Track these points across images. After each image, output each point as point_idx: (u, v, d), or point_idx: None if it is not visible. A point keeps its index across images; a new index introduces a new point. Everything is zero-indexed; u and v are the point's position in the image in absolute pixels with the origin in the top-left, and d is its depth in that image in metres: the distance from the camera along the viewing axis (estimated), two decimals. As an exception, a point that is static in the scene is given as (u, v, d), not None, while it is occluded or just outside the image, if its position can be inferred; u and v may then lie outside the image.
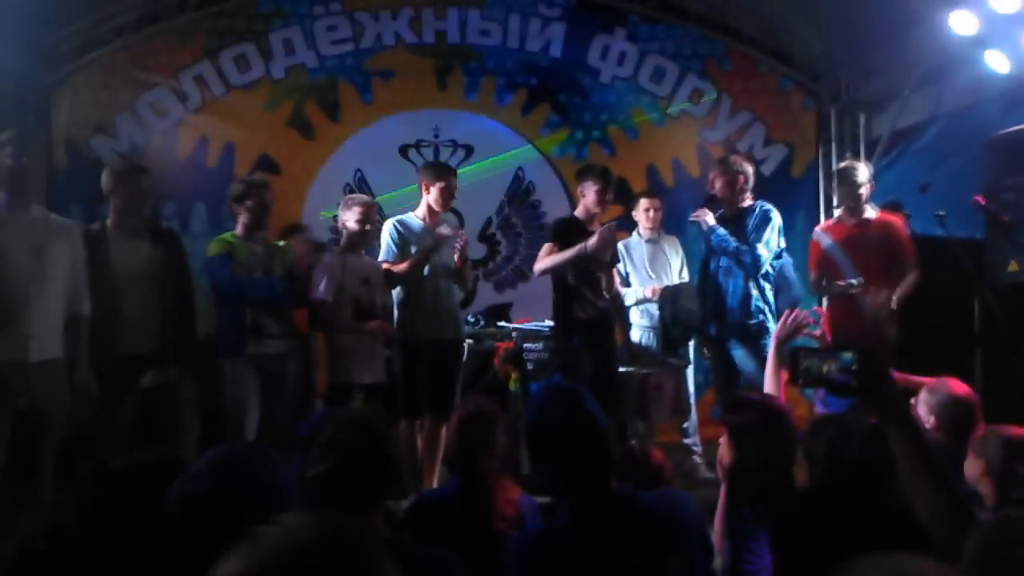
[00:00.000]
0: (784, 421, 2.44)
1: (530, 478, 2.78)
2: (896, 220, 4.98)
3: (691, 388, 5.85)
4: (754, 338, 4.89)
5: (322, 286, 4.55)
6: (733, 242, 4.91)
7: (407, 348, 4.81)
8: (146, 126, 6.32)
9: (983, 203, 4.76)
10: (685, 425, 5.81)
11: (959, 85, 5.59)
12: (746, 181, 5.05)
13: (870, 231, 4.96)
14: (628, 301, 5.90)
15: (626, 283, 5.92)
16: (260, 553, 0.88)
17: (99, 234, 4.32)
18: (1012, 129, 4.87)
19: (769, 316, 4.92)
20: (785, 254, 5.09)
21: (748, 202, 5.06)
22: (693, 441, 5.77)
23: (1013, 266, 4.70)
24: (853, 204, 5.00)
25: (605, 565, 1.89)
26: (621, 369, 5.40)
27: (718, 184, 5.06)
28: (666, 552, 1.93)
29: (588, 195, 5.07)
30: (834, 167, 6.77)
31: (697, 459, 5.64)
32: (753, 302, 4.91)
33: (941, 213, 4.93)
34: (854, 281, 4.87)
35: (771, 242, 4.92)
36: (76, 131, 6.24)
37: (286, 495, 1.58)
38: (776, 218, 4.98)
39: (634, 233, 6.01)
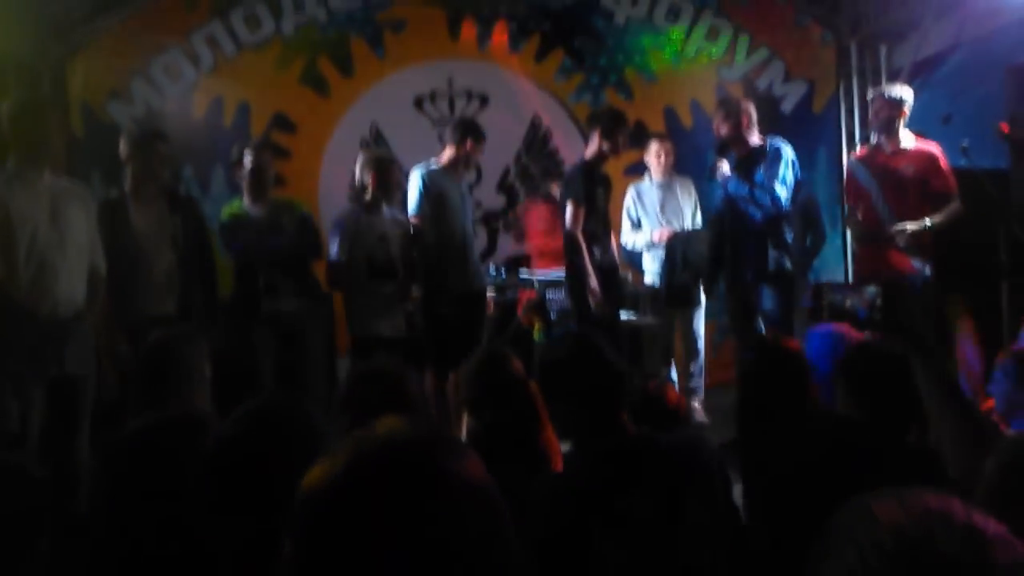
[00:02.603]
0: (792, 364, 2.45)
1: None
2: (934, 149, 4.84)
3: (700, 331, 5.83)
4: (773, 279, 4.89)
5: (334, 246, 4.58)
6: (746, 187, 4.89)
7: (434, 300, 4.87)
8: (160, 89, 6.31)
9: (1007, 131, 4.67)
10: (691, 368, 5.81)
11: (981, 11, 5.44)
12: (750, 120, 5.00)
13: (906, 161, 4.82)
14: (639, 245, 5.89)
15: (637, 226, 5.91)
16: (357, 449, 0.91)
17: (118, 201, 4.38)
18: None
19: (786, 256, 4.92)
20: (811, 193, 5.05)
21: (757, 140, 5.01)
22: (697, 384, 5.76)
23: None
24: (891, 130, 4.85)
25: (623, 508, 1.91)
26: (624, 316, 5.43)
27: (723, 129, 5.03)
28: (684, 494, 1.95)
29: (590, 146, 5.09)
30: (855, 101, 6.69)
31: (696, 403, 5.63)
32: (769, 243, 4.90)
33: (964, 144, 4.85)
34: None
35: (787, 178, 4.87)
36: (92, 97, 6.25)
37: (323, 439, 1.58)
38: (788, 153, 4.93)
39: (645, 177, 5.97)
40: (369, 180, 4.67)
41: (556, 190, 5.81)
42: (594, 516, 1.90)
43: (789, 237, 4.98)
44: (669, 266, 5.62)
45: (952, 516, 0.91)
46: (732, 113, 5.01)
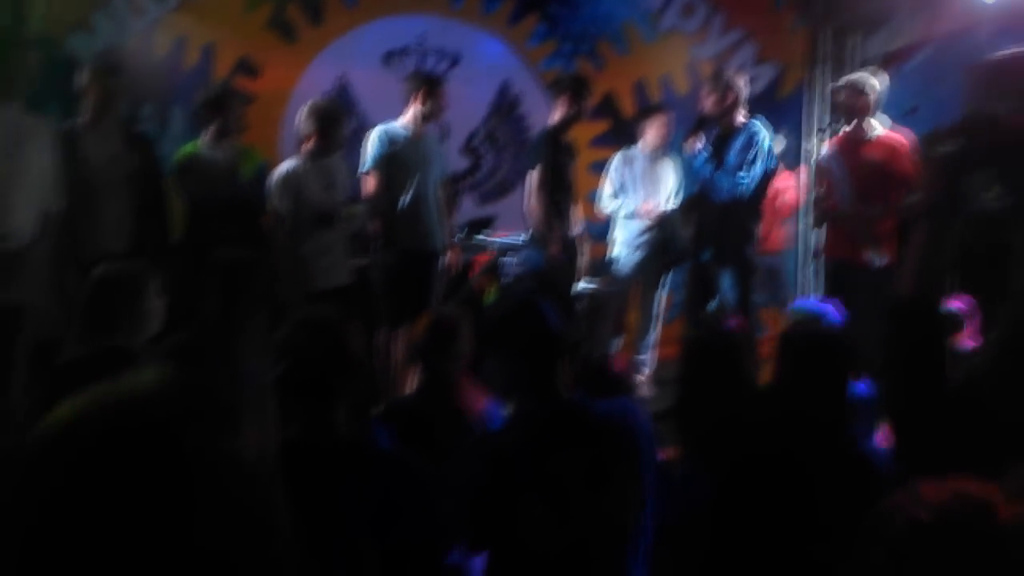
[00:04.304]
0: (733, 341, 2.49)
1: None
2: (902, 140, 4.90)
3: (659, 308, 5.84)
4: (730, 261, 4.94)
5: (277, 195, 4.51)
6: (711, 167, 4.90)
7: (390, 257, 4.85)
8: (123, 25, 6.15)
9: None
10: (642, 341, 5.83)
11: (954, 9, 5.48)
12: (736, 98, 4.99)
13: (873, 149, 4.88)
14: (621, 213, 5.83)
15: (621, 193, 5.85)
16: (89, 400, 0.83)
17: (72, 132, 4.30)
18: (996, 54, 4.82)
19: (746, 240, 4.98)
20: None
21: (740, 120, 5.00)
22: (645, 358, 5.77)
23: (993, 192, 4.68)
24: (858, 118, 4.90)
25: (551, 469, 1.92)
26: (582, 285, 5.44)
27: (708, 102, 5.01)
28: (613, 459, 1.96)
29: (556, 112, 5.07)
30: (823, 89, 6.70)
31: (641, 376, 5.65)
32: (729, 225, 4.94)
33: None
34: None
35: (754, 166, 4.87)
36: (52, 29, 6.07)
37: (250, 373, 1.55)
38: (764, 139, 4.94)
39: (638, 145, 5.88)
40: (313, 129, 4.60)
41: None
42: (521, 477, 1.91)
43: (752, 223, 5.00)
44: (660, 243, 5.58)
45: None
46: (718, 88, 4.98)
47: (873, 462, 2.23)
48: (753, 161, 4.87)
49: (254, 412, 0.91)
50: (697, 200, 5.16)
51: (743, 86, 5.06)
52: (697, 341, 2.64)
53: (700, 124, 5.11)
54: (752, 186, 4.91)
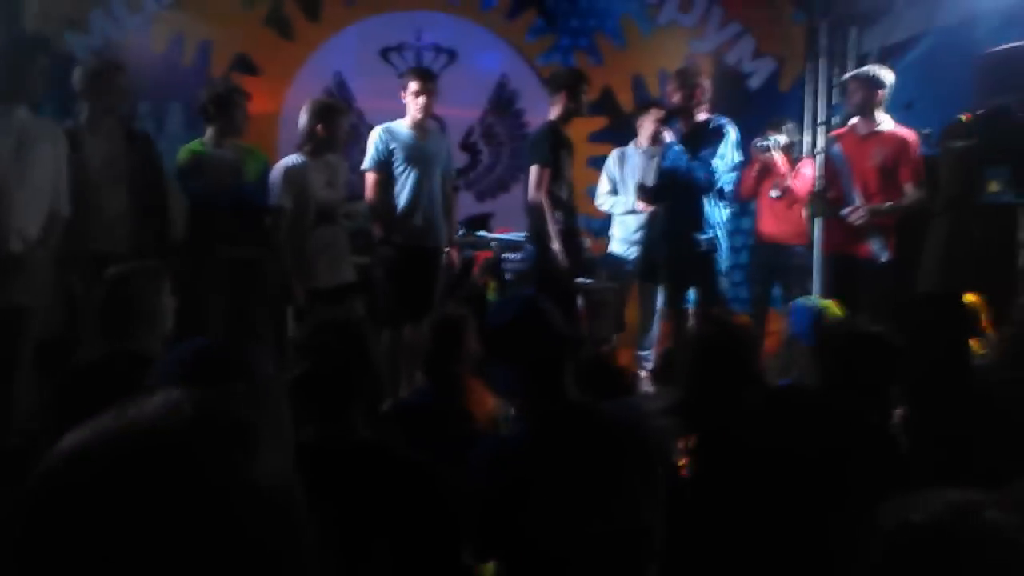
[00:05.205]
0: (743, 336, 2.49)
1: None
2: (907, 135, 4.88)
3: (658, 304, 5.83)
4: (705, 255, 4.96)
5: (279, 191, 4.48)
6: (685, 159, 4.92)
7: (392, 254, 4.84)
8: (120, 22, 6.12)
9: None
10: (643, 340, 5.82)
11: (952, 1, 5.47)
12: (703, 94, 5.02)
13: (877, 144, 4.87)
14: (617, 210, 5.84)
15: (614, 191, 5.86)
16: (102, 428, 0.78)
17: (72, 133, 4.28)
18: (1003, 47, 4.80)
19: (720, 232, 5.00)
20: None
21: (703, 116, 5.03)
22: (647, 355, 5.77)
23: (993, 186, 4.68)
24: (869, 111, 4.89)
25: (560, 473, 1.91)
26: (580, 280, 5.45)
27: (674, 97, 5.06)
28: (622, 462, 1.96)
29: (555, 107, 5.06)
30: (821, 82, 6.70)
31: (643, 373, 5.64)
32: (705, 218, 4.96)
33: (926, 131, 4.91)
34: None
35: (725, 156, 4.91)
36: (48, 26, 6.03)
37: (269, 385, 1.53)
38: (731, 132, 4.98)
39: (631, 143, 5.89)
40: (318, 128, 4.58)
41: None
42: (531, 481, 1.91)
43: (721, 214, 5.03)
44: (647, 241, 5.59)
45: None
46: (687, 84, 5.02)
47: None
48: (723, 152, 4.91)
49: (272, 431, 0.87)
50: (667, 193, 5.16)
51: (708, 83, 5.12)
52: (701, 336, 2.63)
53: (667, 118, 5.17)
54: (725, 177, 4.98)
